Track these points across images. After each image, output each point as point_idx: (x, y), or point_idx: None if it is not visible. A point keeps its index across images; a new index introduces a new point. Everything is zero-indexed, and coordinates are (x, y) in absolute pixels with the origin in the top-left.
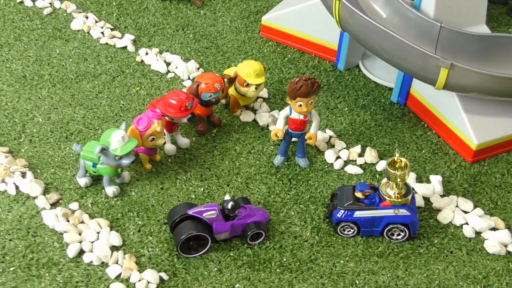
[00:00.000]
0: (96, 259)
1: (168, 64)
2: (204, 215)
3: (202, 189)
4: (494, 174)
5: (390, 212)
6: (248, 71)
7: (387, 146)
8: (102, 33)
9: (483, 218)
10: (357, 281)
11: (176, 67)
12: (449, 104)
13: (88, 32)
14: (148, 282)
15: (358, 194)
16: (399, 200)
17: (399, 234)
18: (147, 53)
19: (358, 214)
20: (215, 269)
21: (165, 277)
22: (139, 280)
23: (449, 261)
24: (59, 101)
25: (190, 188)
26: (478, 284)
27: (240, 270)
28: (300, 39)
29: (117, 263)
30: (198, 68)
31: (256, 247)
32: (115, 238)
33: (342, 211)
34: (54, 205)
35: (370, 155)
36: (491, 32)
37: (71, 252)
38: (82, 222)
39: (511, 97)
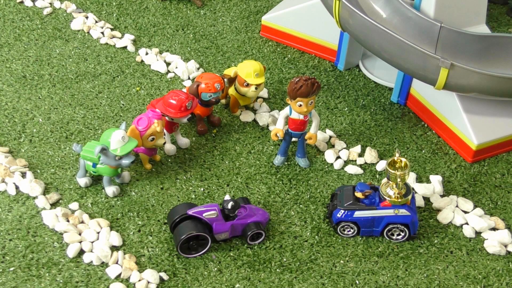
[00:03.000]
0: (96, 259)
1: (168, 64)
2: (204, 215)
3: (202, 189)
4: (494, 174)
5: (390, 212)
6: (248, 71)
7: (387, 146)
8: (102, 33)
9: (483, 218)
10: (357, 281)
11: (176, 67)
12: (449, 104)
13: (88, 32)
14: (148, 282)
15: (358, 194)
16: (399, 200)
17: (399, 234)
18: (147, 53)
19: (358, 214)
20: (215, 269)
21: (165, 277)
22: (139, 280)
23: (449, 261)
24: (59, 101)
25: (190, 188)
26: (478, 284)
27: (240, 270)
28: (300, 39)
29: (117, 263)
30: (198, 68)
31: (256, 247)
32: (115, 238)
33: (342, 211)
34: (54, 205)
35: (370, 155)
36: (491, 32)
37: (71, 252)
38: (82, 222)
39: (511, 97)
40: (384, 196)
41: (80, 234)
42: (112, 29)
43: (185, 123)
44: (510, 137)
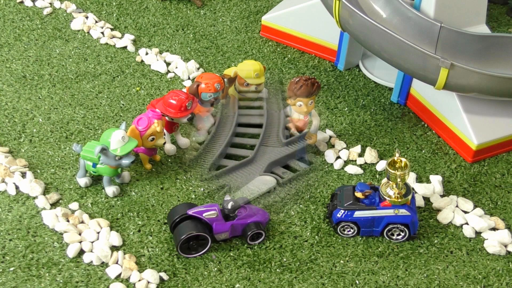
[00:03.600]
0: (96, 259)
1: (168, 64)
2: (204, 215)
3: (202, 189)
4: (494, 174)
5: (390, 212)
6: (248, 71)
7: (387, 146)
8: (102, 33)
9: (483, 218)
10: (357, 281)
11: (176, 67)
12: (449, 104)
13: (88, 32)
14: (148, 282)
15: (358, 194)
16: (399, 200)
17: (399, 234)
18: (147, 53)
19: (358, 214)
20: (215, 269)
21: (165, 277)
22: (139, 280)
23: (449, 261)
24: (59, 101)
25: (190, 188)
26: (478, 284)
27: (240, 270)
28: (300, 39)
29: (117, 263)
30: (198, 68)
31: (256, 247)
32: (115, 238)
33: (342, 211)
34: (54, 205)
35: (370, 155)
36: (491, 32)
37: (71, 252)
38: (82, 222)
39: (511, 97)
40: (384, 196)
41: (80, 234)
42: (112, 29)
43: (185, 123)
44: (510, 137)
